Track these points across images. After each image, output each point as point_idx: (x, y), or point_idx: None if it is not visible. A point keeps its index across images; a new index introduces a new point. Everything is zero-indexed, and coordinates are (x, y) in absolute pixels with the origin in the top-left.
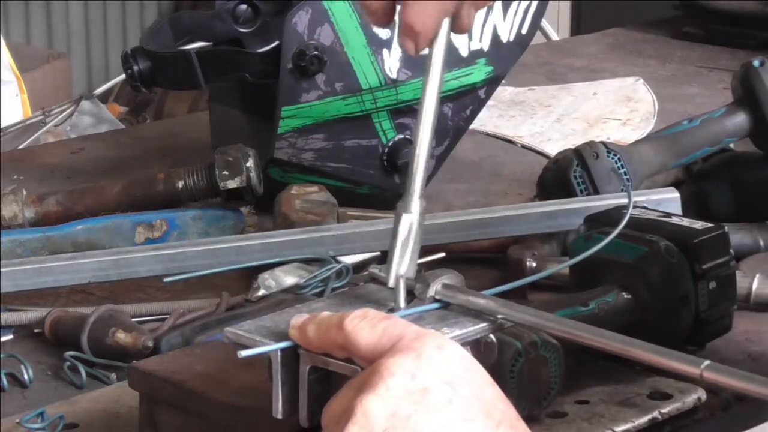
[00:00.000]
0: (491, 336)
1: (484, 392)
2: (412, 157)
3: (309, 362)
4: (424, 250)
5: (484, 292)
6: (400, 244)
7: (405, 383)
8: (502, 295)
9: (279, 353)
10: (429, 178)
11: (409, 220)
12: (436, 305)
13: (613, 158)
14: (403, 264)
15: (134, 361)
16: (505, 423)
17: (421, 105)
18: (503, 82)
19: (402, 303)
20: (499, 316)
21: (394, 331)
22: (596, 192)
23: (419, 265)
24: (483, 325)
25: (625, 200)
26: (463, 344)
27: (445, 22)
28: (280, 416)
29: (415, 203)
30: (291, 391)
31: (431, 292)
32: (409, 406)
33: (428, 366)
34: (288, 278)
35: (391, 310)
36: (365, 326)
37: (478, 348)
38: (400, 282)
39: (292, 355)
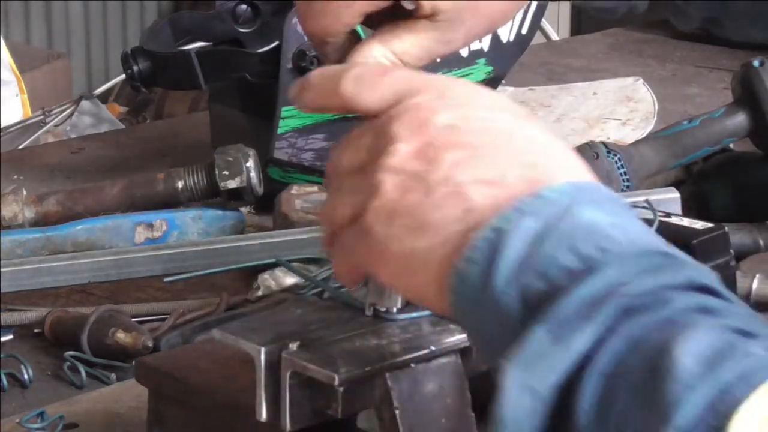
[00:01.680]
0: None
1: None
2: None
3: (290, 367)
4: None
5: None
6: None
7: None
8: None
9: (263, 357)
10: None
11: None
12: (428, 311)
13: (613, 158)
14: (388, 300)
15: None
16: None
17: None
18: (503, 82)
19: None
20: None
21: (398, 86)
22: None
23: None
24: None
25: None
26: (454, 351)
27: None
28: (263, 419)
29: None
30: (274, 396)
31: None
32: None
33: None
34: (288, 278)
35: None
36: (365, 87)
37: (469, 355)
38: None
39: (275, 359)
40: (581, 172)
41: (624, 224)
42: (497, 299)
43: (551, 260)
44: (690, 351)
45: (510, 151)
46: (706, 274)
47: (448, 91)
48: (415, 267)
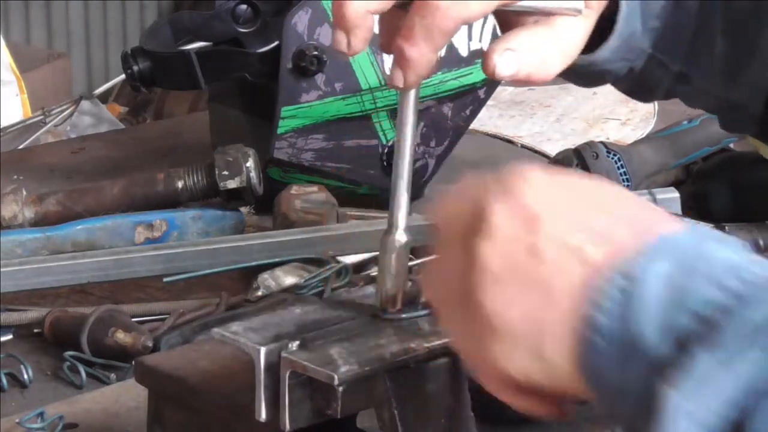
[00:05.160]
0: None
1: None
2: (393, 190)
3: (289, 367)
4: (425, 250)
5: None
6: (390, 277)
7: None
8: None
9: (263, 357)
10: (429, 178)
11: (395, 253)
12: (427, 311)
13: (613, 158)
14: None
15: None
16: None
17: (398, 134)
18: (503, 82)
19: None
20: None
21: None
22: None
23: (417, 266)
24: None
25: None
26: (453, 351)
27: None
28: (262, 419)
29: (400, 235)
30: (273, 395)
31: (423, 297)
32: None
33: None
34: (288, 278)
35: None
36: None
37: None
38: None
39: (275, 359)
40: (679, 223)
41: (754, 258)
42: (644, 343)
43: (697, 297)
44: None
45: (606, 206)
46: None
47: (526, 171)
48: (534, 333)
